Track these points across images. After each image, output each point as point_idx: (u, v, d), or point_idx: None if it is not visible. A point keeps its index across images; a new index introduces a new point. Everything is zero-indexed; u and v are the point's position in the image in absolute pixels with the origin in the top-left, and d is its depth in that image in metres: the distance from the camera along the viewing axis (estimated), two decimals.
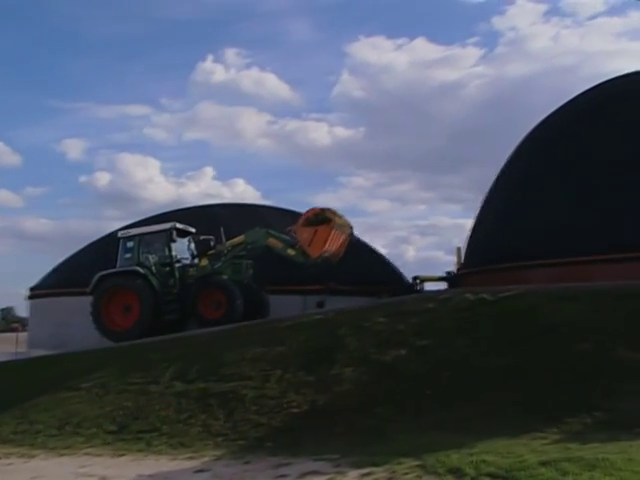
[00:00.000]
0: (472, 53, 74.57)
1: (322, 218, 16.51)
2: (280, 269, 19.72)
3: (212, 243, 17.83)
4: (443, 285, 21.01)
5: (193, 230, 18.64)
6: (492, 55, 72.00)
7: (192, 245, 18.63)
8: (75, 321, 19.66)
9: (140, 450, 9.53)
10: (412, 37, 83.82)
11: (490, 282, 15.54)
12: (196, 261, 18.04)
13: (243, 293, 16.78)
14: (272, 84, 71.38)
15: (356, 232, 17.92)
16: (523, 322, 10.93)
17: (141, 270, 17.12)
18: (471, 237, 21.86)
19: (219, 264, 17.23)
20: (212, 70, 69.98)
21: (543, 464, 6.60)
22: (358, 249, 21.51)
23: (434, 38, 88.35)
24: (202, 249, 18.24)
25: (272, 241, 17.17)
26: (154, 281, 16.98)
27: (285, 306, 17.93)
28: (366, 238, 22.54)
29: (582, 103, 20.59)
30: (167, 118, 70.62)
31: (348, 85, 71.85)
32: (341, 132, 74.16)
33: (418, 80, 67.93)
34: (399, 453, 7.85)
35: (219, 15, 72.75)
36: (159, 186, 65.51)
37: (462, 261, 21.38)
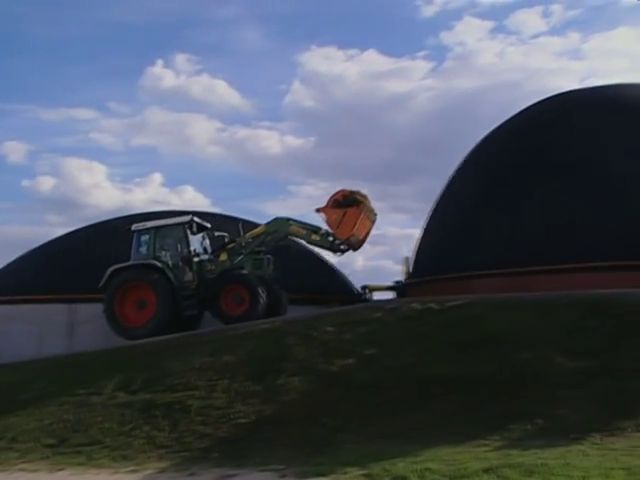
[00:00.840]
0: (421, 66, 75.88)
1: (351, 200, 16.03)
2: None
3: (226, 239, 17.29)
4: (391, 294, 21.21)
5: (209, 225, 17.94)
6: (441, 68, 73.43)
7: (206, 241, 17.83)
8: (13, 330, 18.92)
9: (80, 464, 9.24)
10: (363, 48, 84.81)
11: (437, 292, 15.84)
12: (206, 256, 17.26)
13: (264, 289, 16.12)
14: (223, 91, 70.74)
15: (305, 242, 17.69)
16: (468, 331, 11.13)
17: (158, 264, 16.27)
18: (419, 247, 22.20)
19: (239, 259, 16.59)
20: (161, 75, 68.81)
21: (485, 471, 6.77)
22: (307, 258, 21.58)
23: (385, 50, 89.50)
24: (216, 246, 17.61)
25: (294, 229, 16.67)
26: (171, 276, 16.19)
27: None
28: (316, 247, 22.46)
29: (526, 118, 21.26)
30: (114, 123, 69.00)
31: (299, 94, 71.99)
32: (292, 141, 74.15)
33: (368, 91, 68.62)
34: (345, 463, 7.88)
35: (170, 20, 71.83)
36: (105, 192, 64.02)
37: (410, 271, 21.66)
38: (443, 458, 7.51)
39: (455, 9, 74.61)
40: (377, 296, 21.09)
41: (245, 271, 16.34)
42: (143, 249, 16.87)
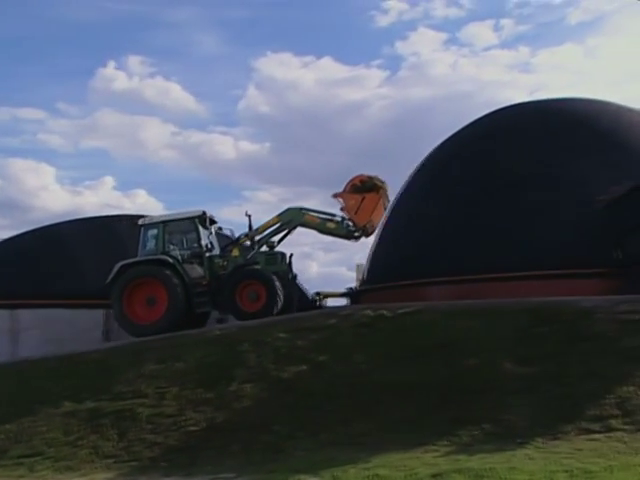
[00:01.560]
0: (376, 75, 76.88)
1: (370, 185, 15.63)
2: None
3: (234, 234, 16.93)
4: (344, 301, 21.32)
5: (217, 220, 17.44)
6: (395, 78, 74.59)
7: (212, 236, 17.20)
8: None
9: (21, 476, 8.94)
10: (319, 56, 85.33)
11: (390, 299, 15.96)
12: (216, 252, 16.76)
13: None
14: (177, 95, 69.96)
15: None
16: (419, 338, 11.27)
17: (169, 259, 15.69)
18: (373, 254, 22.40)
19: (252, 254, 16.12)
20: (113, 77, 67.51)
21: (434, 476, 6.89)
22: None
23: (340, 58, 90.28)
24: (221, 241, 17.15)
25: (309, 218, 16.26)
26: (183, 271, 15.65)
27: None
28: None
29: (477, 129, 21.76)
30: (64, 124, 67.37)
31: (254, 100, 71.80)
32: (246, 146, 73.85)
33: (324, 98, 69.08)
34: (296, 470, 7.87)
35: (123, 21, 70.61)
36: (54, 194, 62.26)
37: (363, 278, 21.82)
38: (393, 464, 7.59)
39: (410, 20, 76.06)
40: (330, 303, 21.14)
41: (259, 267, 15.88)
42: (151, 244, 16.29)
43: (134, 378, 11.45)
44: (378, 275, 20.70)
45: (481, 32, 76.56)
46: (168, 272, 15.44)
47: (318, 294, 21.16)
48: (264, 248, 16.51)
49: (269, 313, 14.80)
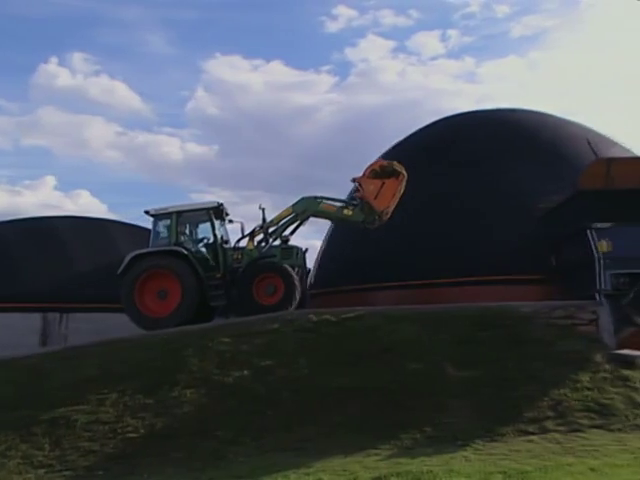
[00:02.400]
0: (326, 80, 77.46)
1: (390, 171, 15.12)
2: None
3: (244, 227, 16.22)
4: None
5: (229, 212, 16.74)
6: (345, 84, 75.30)
7: (223, 229, 16.61)
8: None
9: None
10: (268, 59, 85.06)
11: (337, 303, 15.98)
12: (229, 244, 16.21)
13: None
14: (123, 94, 68.51)
15: None
16: (363, 342, 11.34)
17: (183, 251, 15.07)
18: (320, 258, 22.45)
19: (266, 247, 15.60)
20: (56, 73, 65.62)
21: (374, 479, 6.93)
22: None
23: (290, 62, 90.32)
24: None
25: (325, 206, 15.69)
26: (197, 264, 15.04)
27: (127, 325, 17.09)
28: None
29: (425, 136, 22.15)
30: (3, 121, 64.98)
31: (203, 101, 71.12)
32: (194, 148, 73.01)
33: (273, 102, 69.05)
34: (238, 476, 7.79)
35: (67, 17, 68.76)
36: None
37: (310, 282, 21.80)
38: (334, 469, 7.60)
39: (359, 27, 76.98)
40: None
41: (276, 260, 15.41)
42: (163, 235, 15.71)
43: (71, 383, 11.05)
44: (326, 279, 20.75)
45: (428, 41, 78.34)
46: (182, 264, 14.96)
47: None
48: (277, 242, 16.05)
49: (286, 307, 14.49)
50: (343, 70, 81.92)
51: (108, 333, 15.13)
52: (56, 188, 71.80)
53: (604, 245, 13.19)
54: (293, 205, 15.72)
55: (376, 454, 8.29)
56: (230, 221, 16.73)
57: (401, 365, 10.52)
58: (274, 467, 7.97)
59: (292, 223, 15.71)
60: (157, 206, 15.85)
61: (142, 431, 9.58)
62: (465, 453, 7.97)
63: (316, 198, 15.74)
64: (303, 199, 15.71)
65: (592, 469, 6.85)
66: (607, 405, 9.27)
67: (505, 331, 11.39)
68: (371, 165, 15.34)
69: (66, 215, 23.86)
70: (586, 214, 13.68)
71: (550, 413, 9.09)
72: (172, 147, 72.83)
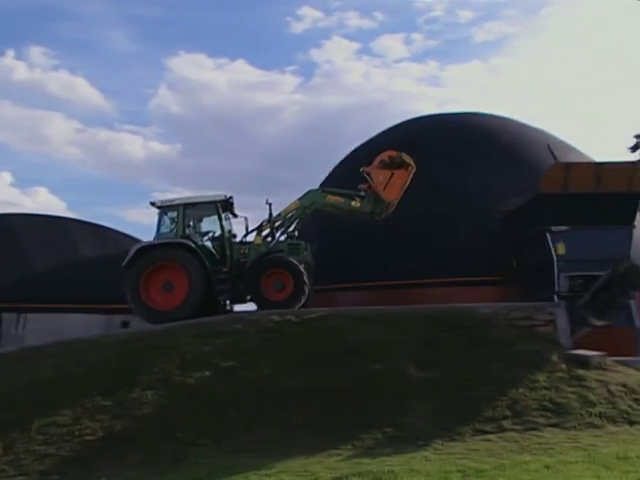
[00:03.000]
0: (290, 80, 77.50)
1: (399, 162, 14.98)
2: (82, 285, 18.56)
3: (248, 222, 15.94)
4: (253, 306, 21.11)
5: (235, 207, 16.39)
6: (309, 84, 75.48)
7: (228, 222, 16.23)
8: None
9: None
10: (233, 58, 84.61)
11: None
12: (235, 238, 15.82)
13: None
14: (83, 90, 67.23)
15: None
16: (326, 343, 11.36)
17: (190, 244, 14.74)
18: None
19: (274, 242, 15.31)
20: (13, 67, 64.01)
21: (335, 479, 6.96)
22: None
23: (254, 62, 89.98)
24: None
25: (332, 198, 15.43)
26: (204, 257, 14.70)
27: (86, 326, 16.81)
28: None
29: (388, 138, 22.31)
30: None
31: (166, 99, 70.35)
32: (157, 147, 72.15)
33: (237, 101, 68.75)
34: (198, 478, 7.73)
35: (25, 9, 67.15)
36: None
37: None
38: (295, 469, 7.60)
39: (324, 28, 77.24)
40: (238, 307, 20.89)
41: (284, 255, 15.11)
42: (169, 227, 15.36)
43: (26, 385, 10.78)
44: None
45: (393, 44, 79.11)
46: (189, 257, 14.65)
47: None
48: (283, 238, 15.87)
49: (295, 303, 14.31)
50: (308, 71, 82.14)
51: (66, 334, 14.85)
52: (12, 185, 70.05)
53: (561, 248, 13.54)
54: (300, 198, 15.58)
55: (337, 454, 8.32)
56: (234, 215, 16.49)
57: (363, 366, 10.57)
58: (235, 469, 7.92)
59: (299, 217, 15.57)
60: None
61: (100, 433, 9.40)
62: (425, 453, 8.06)
63: (323, 191, 15.69)
64: (309, 192, 15.62)
65: (547, 466, 7.01)
66: (562, 404, 9.50)
67: (465, 332, 11.56)
68: (380, 156, 15.25)
69: (23, 213, 23.30)
70: (545, 217, 14.01)
71: (508, 412, 9.27)
72: (134, 145, 71.87)
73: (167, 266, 14.72)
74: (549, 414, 9.28)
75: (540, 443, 8.29)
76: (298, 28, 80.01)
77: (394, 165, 14.96)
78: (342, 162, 23.36)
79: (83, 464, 8.67)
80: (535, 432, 8.81)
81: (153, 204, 15.53)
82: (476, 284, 16.58)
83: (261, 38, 75.85)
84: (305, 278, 14.63)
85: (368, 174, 15.08)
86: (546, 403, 9.52)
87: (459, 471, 6.94)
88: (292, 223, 15.55)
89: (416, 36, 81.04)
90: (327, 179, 22.59)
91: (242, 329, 12.14)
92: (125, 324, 17.21)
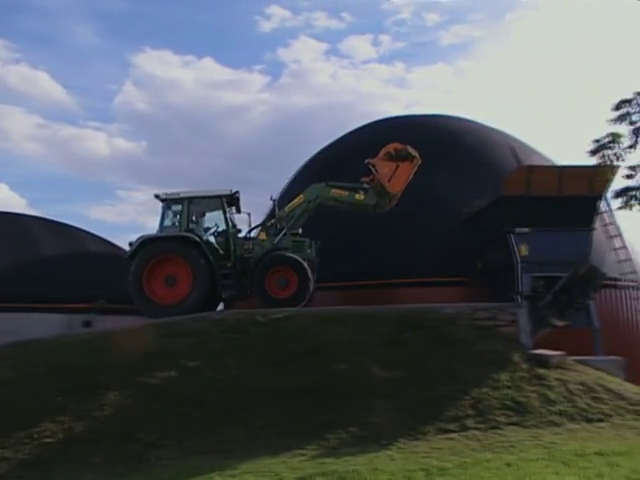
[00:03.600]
0: (258, 79, 77.22)
1: (404, 155, 14.92)
2: (43, 284, 18.18)
3: (251, 218, 15.77)
4: (220, 306, 20.96)
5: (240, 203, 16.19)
6: (277, 84, 75.31)
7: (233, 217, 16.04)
8: None
9: None
10: (200, 56, 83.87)
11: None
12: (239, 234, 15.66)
13: None
14: (45, 85, 65.78)
15: None
16: (291, 343, 11.34)
17: (195, 237, 14.56)
18: None
19: (278, 238, 15.10)
20: None
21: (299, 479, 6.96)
22: None
23: (221, 60, 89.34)
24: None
25: (336, 191, 15.33)
26: (209, 252, 14.56)
27: (47, 326, 16.42)
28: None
29: (356, 139, 22.42)
30: None
31: (131, 96, 69.33)
32: (122, 144, 71.02)
33: (204, 99, 68.15)
34: None
35: None
36: None
37: None
38: (260, 470, 7.58)
39: (292, 27, 77.19)
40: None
41: (289, 253, 14.95)
42: (174, 220, 15.12)
43: None
44: None
45: (360, 45, 79.51)
46: (194, 251, 14.45)
47: None
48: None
49: (300, 301, 14.20)
50: (275, 70, 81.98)
51: (25, 334, 14.49)
52: None
53: (524, 249, 13.78)
54: (304, 193, 15.54)
55: (302, 454, 8.32)
56: (238, 211, 16.32)
57: (328, 366, 10.60)
58: (198, 470, 7.86)
59: (304, 211, 15.49)
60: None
61: (60, 435, 9.21)
62: (389, 452, 8.13)
63: (326, 184, 15.58)
64: (314, 186, 15.57)
65: (508, 464, 7.14)
66: (523, 403, 9.68)
67: (429, 332, 11.68)
68: (386, 147, 15.24)
69: None
70: (508, 219, 14.23)
71: (470, 411, 9.40)
72: (98, 142, 70.64)
73: (171, 259, 14.57)
74: (511, 413, 9.45)
75: (502, 441, 8.44)
76: (266, 27, 79.84)
77: (399, 157, 15.00)
78: (310, 162, 23.36)
79: (42, 467, 8.49)
80: (497, 430, 8.96)
81: (157, 196, 15.36)
82: (442, 284, 16.74)
83: (229, 36, 75.48)
84: (309, 276, 14.60)
85: (373, 166, 15.09)
86: (508, 402, 9.69)
87: (422, 470, 7.02)
88: (297, 218, 15.48)
89: (384, 37, 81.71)
90: (294, 179, 22.54)
91: (208, 329, 12.05)
92: (87, 324, 16.91)
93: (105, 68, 73.24)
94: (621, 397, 10.07)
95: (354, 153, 20.75)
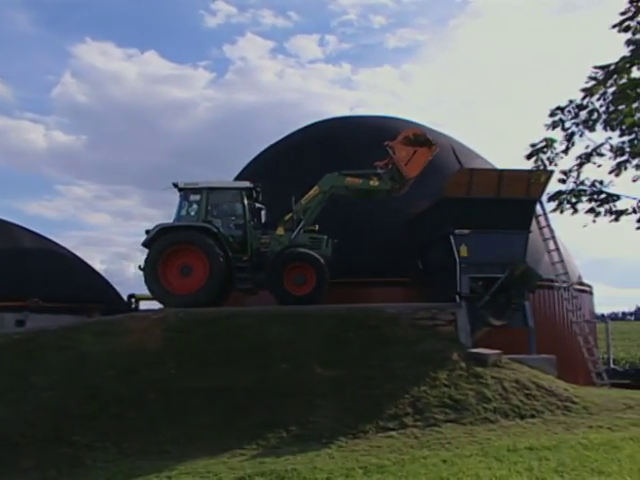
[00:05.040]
0: (203, 75, 76.77)
1: (422, 140, 14.77)
2: None
3: (263, 213, 15.47)
4: (160, 304, 20.56)
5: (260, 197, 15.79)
6: (222, 80, 74.95)
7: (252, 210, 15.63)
8: None
9: None
10: (143, 49, 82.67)
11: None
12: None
13: None
14: None
15: (71, 245, 16.16)
16: (232, 342, 11.26)
17: (213, 228, 14.26)
18: None
19: (295, 233, 14.84)
20: None
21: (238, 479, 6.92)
22: (67, 263, 20.10)
23: (166, 54, 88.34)
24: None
25: (350, 180, 15.18)
26: (225, 243, 14.29)
27: None
28: (81, 252, 20.87)
29: (302, 137, 22.44)
30: None
31: (71, 88, 67.51)
32: (60, 137, 69.10)
33: (147, 94, 67.20)
34: None
35: None
36: None
37: None
38: (198, 470, 7.51)
39: (238, 24, 76.87)
40: (146, 306, 20.29)
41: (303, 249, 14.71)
42: (191, 210, 14.80)
43: None
44: None
45: (307, 45, 79.93)
46: (211, 242, 14.15)
47: (132, 296, 20.25)
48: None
49: (317, 299, 14.06)
50: (221, 67, 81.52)
51: None
52: None
53: (463, 250, 14.09)
54: (319, 184, 15.44)
55: (242, 454, 8.29)
56: (258, 205, 16.06)
57: (269, 365, 10.59)
58: (135, 472, 7.72)
59: (320, 202, 15.39)
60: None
61: None
62: (329, 450, 8.18)
63: (340, 173, 15.50)
64: (327, 176, 15.49)
65: (444, 461, 7.30)
66: (461, 401, 9.91)
67: (371, 332, 11.81)
68: (404, 132, 15.27)
69: None
70: (449, 220, 14.52)
71: (409, 410, 9.56)
72: (35, 134, 68.34)
73: (187, 249, 14.32)
74: (448, 410, 9.66)
75: (439, 438, 8.62)
76: (212, 22, 79.35)
77: (417, 142, 15.02)
78: (255, 159, 23.25)
79: None
80: (435, 428, 9.15)
81: (176, 185, 15.11)
82: (385, 285, 16.94)
83: (173, 30, 74.47)
84: (327, 274, 14.56)
85: (391, 148, 15.09)
86: (446, 400, 9.91)
87: (361, 468, 7.09)
88: (313, 209, 15.39)
89: (330, 38, 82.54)
90: (238, 177, 22.38)
91: (147, 327, 11.81)
92: (20, 323, 16.27)
93: (43, 58, 71.04)
94: (552, 394, 10.45)
95: (301, 152, 20.86)
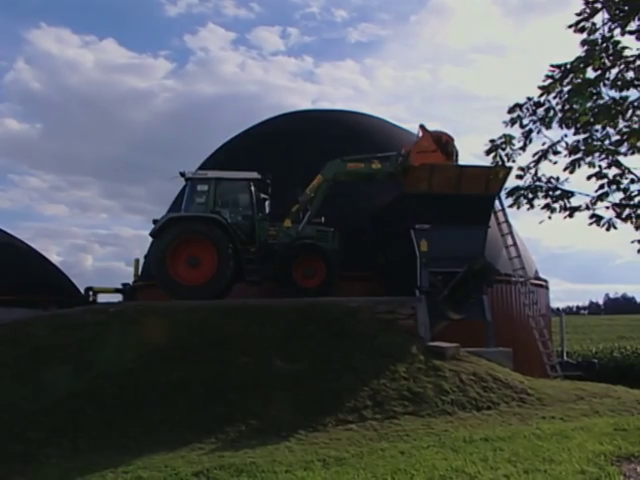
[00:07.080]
0: (163, 65, 75.61)
1: (448, 149, 14.97)
2: None
3: (267, 204, 15.28)
4: (119, 297, 20.28)
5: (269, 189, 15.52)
6: (183, 71, 73.94)
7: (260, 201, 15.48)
8: None
9: None
10: (101, 37, 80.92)
11: (167, 295, 15.57)
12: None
13: None
14: None
15: (26, 237, 15.79)
16: (192, 336, 11.15)
17: (222, 219, 14.11)
18: (150, 249, 21.65)
19: (302, 225, 14.80)
20: None
21: (196, 474, 6.91)
22: (22, 255, 19.60)
23: (124, 42, 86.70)
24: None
25: (352, 165, 15.25)
26: (234, 234, 14.18)
27: None
28: (37, 244, 20.45)
29: (263, 130, 22.34)
30: None
31: (24, 74, 65.66)
32: (13, 125, 67.18)
33: (105, 82, 65.75)
34: None
35: None
36: None
37: (140, 273, 20.96)
38: (155, 465, 7.41)
39: (199, 14, 75.85)
40: (103, 299, 19.98)
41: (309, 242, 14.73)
42: (199, 200, 14.53)
43: None
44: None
45: (269, 37, 79.51)
46: (220, 233, 13.98)
47: (90, 289, 19.90)
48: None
49: (327, 290, 14.15)
50: (181, 57, 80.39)
51: None
52: None
53: (424, 245, 14.26)
54: (321, 172, 15.41)
55: (200, 448, 8.22)
56: (266, 197, 15.92)
57: (228, 359, 10.52)
58: (90, 467, 7.59)
59: (325, 191, 15.37)
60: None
61: None
62: (289, 444, 8.19)
63: (341, 160, 15.51)
64: (329, 164, 15.47)
65: (402, 452, 7.39)
66: (419, 393, 10.05)
67: (331, 325, 11.84)
68: (441, 132, 15.55)
69: None
70: (410, 215, 14.67)
71: (369, 402, 9.64)
72: None
73: (195, 240, 14.15)
74: (407, 403, 9.78)
75: (397, 430, 8.72)
76: (172, 11, 78.13)
77: (442, 147, 15.24)
78: (217, 151, 23.05)
79: None
80: (394, 420, 9.24)
81: (182, 175, 14.94)
82: (347, 279, 16.99)
83: (132, 18, 73.16)
84: (336, 267, 14.74)
85: (422, 130, 15.41)
86: (405, 392, 10.02)
87: (320, 460, 7.13)
88: (319, 199, 15.39)
89: (292, 30, 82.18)
90: (200, 168, 22.16)
91: (105, 321, 11.60)
92: None
93: None
94: (508, 386, 10.68)
95: (262, 144, 20.73)
